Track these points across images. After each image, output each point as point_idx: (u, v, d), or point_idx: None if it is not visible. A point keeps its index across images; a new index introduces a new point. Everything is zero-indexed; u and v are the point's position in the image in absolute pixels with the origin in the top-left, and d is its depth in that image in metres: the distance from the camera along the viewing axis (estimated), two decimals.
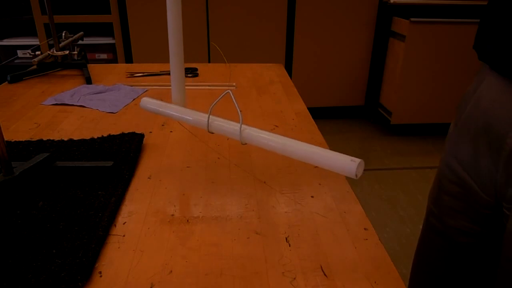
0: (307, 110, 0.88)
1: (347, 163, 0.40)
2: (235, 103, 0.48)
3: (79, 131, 0.75)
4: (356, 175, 0.39)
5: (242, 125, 0.49)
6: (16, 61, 2.42)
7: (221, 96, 0.50)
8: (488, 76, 0.54)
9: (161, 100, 0.59)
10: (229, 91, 0.49)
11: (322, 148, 0.43)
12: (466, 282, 0.64)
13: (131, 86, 1.01)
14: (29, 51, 1.08)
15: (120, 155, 0.64)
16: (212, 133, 0.53)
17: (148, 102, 0.60)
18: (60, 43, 1.13)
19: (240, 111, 0.48)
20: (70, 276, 0.40)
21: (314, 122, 0.81)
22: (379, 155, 2.34)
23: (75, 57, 1.15)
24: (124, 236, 0.47)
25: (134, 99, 0.92)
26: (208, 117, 0.52)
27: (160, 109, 0.59)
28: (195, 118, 0.54)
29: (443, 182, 0.63)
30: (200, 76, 1.12)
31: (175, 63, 0.55)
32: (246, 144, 0.49)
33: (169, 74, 1.12)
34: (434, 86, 2.40)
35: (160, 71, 1.14)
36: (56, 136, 0.72)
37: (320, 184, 0.59)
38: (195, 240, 0.47)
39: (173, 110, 0.58)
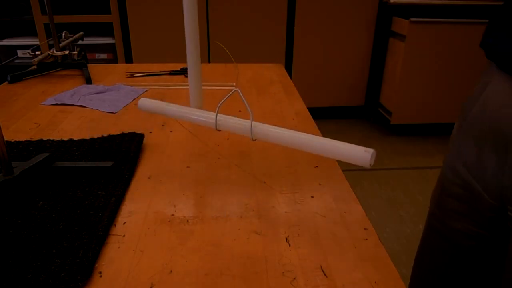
0: (307, 110, 0.88)
1: (361, 154, 0.43)
2: (244, 101, 0.49)
3: (79, 131, 0.75)
4: (370, 164, 0.42)
5: (253, 122, 0.49)
6: (16, 61, 2.42)
7: (229, 94, 0.50)
8: (496, 76, 0.53)
9: (162, 100, 0.59)
10: (237, 89, 0.50)
11: (333, 140, 0.45)
12: (469, 285, 0.63)
13: (131, 86, 1.01)
14: (29, 51, 1.08)
15: (120, 155, 0.64)
16: (219, 130, 0.52)
17: (148, 102, 0.59)
18: (60, 43, 1.13)
19: (250, 108, 0.49)
20: (70, 276, 0.40)
21: (314, 122, 0.81)
22: (379, 155, 2.34)
23: (75, 57, 1.15)
24: (124, 236, 0.47)
25: (134, 99, 0.92)
26: (216, 115, 0.52)
27: (162, 109, 0.58)
28: (202, 116, 0.54)
29: (446, 184, 0.62)
30: None
31: (193, 65, 0.53)
32: (256, 140, 0.50)
33: (169, 74, 1.13)
34: (434, 86, 2.40)
35: (160, 71, 1.14)
36: (56, 136, 0.72)
37: (320, 184, 0.59)
38: (195, 240, 0.47)
39: (177, 109, 0.57)
